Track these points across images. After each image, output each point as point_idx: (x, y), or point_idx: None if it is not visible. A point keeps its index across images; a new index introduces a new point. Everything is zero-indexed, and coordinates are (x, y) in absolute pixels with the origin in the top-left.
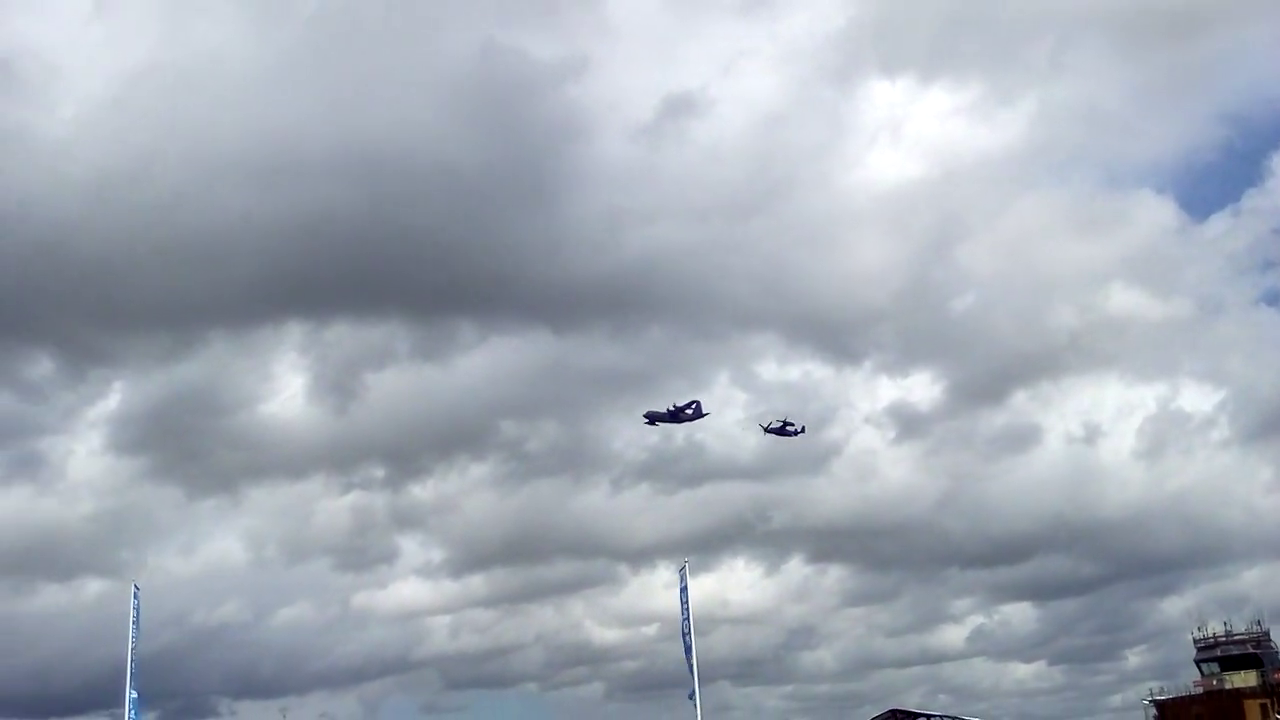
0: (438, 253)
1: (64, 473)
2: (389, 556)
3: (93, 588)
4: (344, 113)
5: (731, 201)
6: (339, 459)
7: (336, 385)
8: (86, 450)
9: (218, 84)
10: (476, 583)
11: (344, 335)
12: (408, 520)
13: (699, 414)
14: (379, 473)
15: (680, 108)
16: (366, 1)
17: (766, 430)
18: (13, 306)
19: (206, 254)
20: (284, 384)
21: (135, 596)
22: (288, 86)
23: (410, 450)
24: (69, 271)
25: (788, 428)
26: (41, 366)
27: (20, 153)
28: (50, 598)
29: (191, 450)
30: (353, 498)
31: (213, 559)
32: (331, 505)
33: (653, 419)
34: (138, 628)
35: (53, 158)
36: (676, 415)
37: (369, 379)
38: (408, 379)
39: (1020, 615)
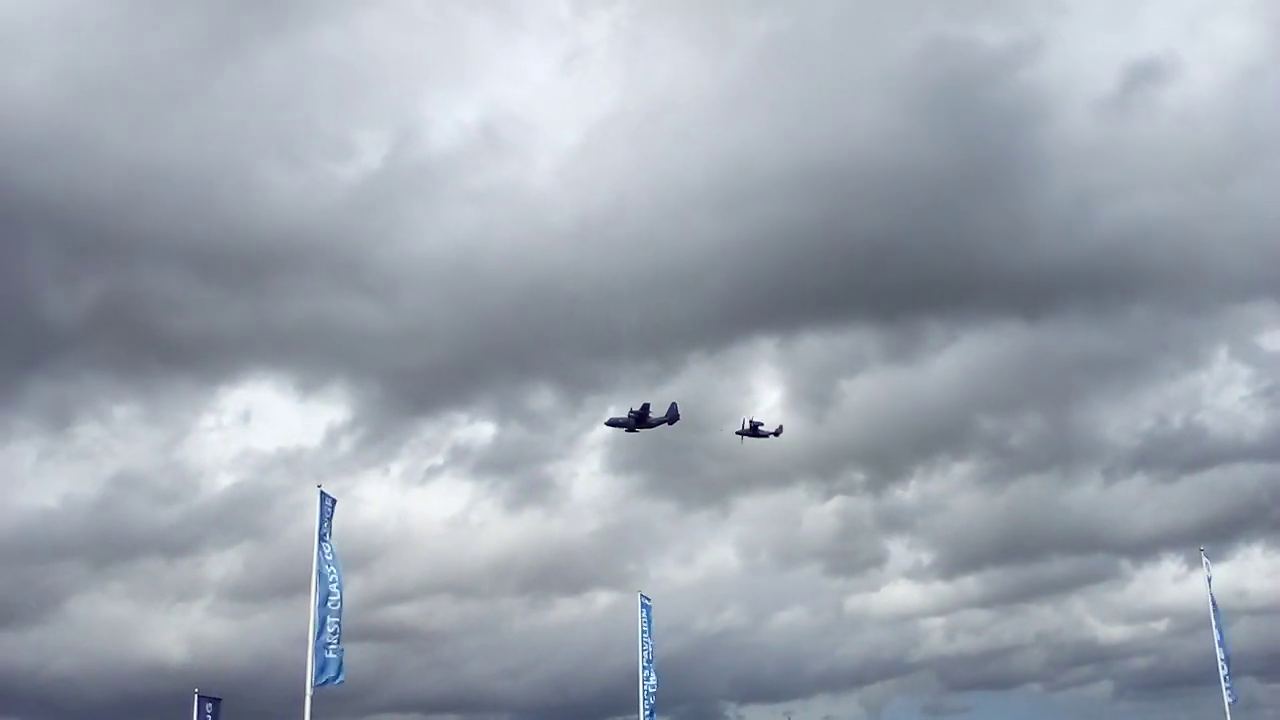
0: (899, 255)
1: (569, 494)
2: (878, 560)
3: (602, 599)
4: (798, 127)
5: (1211, 165)
6: (820, 466)
7: (812, 394)
8: (588, 472)
9: (677, 119)
10: (969, 583)
11: (814, 346)
12: (893, 523)
13: (674, 416)
14: (860, 476)
15: (1145, 75)
16: (810, 16)
17: (739, 434)
18: (516, 346)
19: (681, 281)
20: (762, 397)
21: (644, 606)
22: (742, 110)
23: (889, 453)
24: (561, 310)
25: (759, 428)
26: (544, 398)
27: (509, 206)
28: (565, 610)
29: (682, 466)
30: (836, 503)
31: (709, 567)
32: (817, 511)
33: (619, 425)
34: (649, 636)
35: (537, 208)
36: (642, 418)
37: (843, 386)
38: (881, 383)
39: None
